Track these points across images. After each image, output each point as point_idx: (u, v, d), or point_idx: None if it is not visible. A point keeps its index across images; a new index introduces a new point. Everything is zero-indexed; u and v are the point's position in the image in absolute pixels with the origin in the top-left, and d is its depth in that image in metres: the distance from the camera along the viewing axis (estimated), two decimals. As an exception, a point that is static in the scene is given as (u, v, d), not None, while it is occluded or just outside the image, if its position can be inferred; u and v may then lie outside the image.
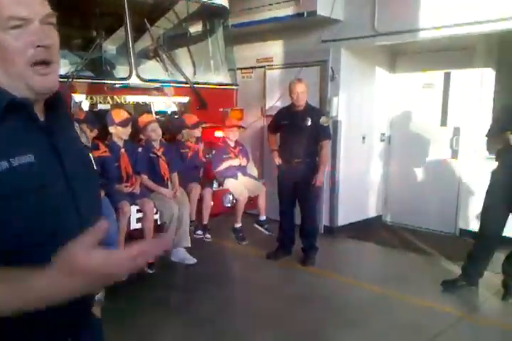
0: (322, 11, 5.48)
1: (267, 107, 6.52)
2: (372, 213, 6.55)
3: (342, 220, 6.04)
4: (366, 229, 6.15)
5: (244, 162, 4.73)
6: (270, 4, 5.76)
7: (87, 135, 3.62)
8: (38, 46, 1.01)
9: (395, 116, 6.47)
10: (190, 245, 4.14)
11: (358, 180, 6.23)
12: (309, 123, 4.71)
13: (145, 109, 4.24)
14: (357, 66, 5.97)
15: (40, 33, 1.01)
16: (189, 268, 4.37)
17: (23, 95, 1.04)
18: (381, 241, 5.79)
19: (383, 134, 6.50)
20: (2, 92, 1.01)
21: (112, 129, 3.85)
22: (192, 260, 4.17)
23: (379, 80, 6.32)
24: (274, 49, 6.45)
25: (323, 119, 4.78)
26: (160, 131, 4.11)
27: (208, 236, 4.36)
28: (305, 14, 5.54)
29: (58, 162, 1.06)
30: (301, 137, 4.73)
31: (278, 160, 4.83)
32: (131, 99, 4.12)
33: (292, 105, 4.82)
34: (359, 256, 5.49)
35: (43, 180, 1.01)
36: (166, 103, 4.38)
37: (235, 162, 4.64)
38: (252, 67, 6.67)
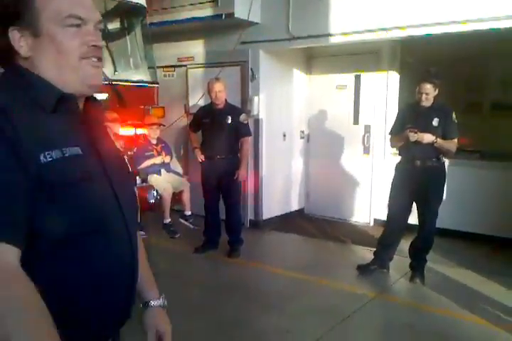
0: (239, 13, 5.67)
1: (190, 105, 6.61)
2: (294, 206, 6.86)
3: (266, 214, 6.28)
4: (289, 222, 6.44)
5: (167, 159, 4.80)
6: (190, 4, 5.86)
7: None
8: (92, 46, 1.09)
9: (312, 115, 6.83)
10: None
11: (281, 175, 6.51)
12: (229, 121, 4.88)
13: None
14: (275, 67, 6.24)
15: (94, 34, 1.10)
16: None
17: (71, 89, 1.08)
18: (303, 231, 6.10)
19: (302, 132, 6.83)
20: (52, 86, 1.07)
21: None
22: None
23: (297, 81, 6.64)
24: (195, 48, 6.55)
25: (242, 117, 4.97)
26: None
27: (142, 232, 4.36)
28: (223, 16, 5.70)
29: (97, 155, 1.11)
30: (222, 134, 4.88)
31: (201, 157, 4.94)
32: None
33: (212, 103, 4.96)
34: (282, 246, 5.75)
35: (89, 171, 1.06)
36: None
37: (158, 160, 4.70)
38: (173, 66, 6.73)
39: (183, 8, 5.96)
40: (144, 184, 4.59)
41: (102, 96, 4.47)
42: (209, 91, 4.85)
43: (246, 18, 5.72)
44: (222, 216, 5.10)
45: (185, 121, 6.61)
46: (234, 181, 4.93)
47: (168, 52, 6.47)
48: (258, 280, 4.49)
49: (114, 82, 4.48)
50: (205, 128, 4.96)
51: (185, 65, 6.69)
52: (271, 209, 6.35)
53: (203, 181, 5.03)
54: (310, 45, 5.75)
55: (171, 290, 4.29)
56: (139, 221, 4.49)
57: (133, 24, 5.10)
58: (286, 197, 6.69)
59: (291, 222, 6.47)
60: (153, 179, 4.58)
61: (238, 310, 3.83)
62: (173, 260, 4.93)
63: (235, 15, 5.64)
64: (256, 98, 6.04)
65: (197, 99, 6.37)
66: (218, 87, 4.82)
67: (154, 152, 4.72)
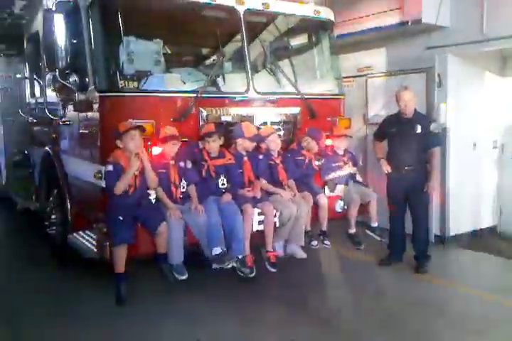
0: (427, 18, 5.46)
1: (369, 115, 6.55)
2: (485, 223, 6.25)
3: (453, 230, 5.84)
4: (479, 239, 5.91)
5: (354, 169, 4.82)
6: (373, 14, 5.84)
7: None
8: None
9: (508, 123, 6.16)
10: (303, 244, 4.32)
11: (470, 188, 6.00)
12: (419, 130, 4.69)
13: (262, 120, 4.50)
14: (464, 71, 5.82)
15: None
16: (305, 270, 4.53)
17: None
18: (496, 251, 5.52)
19: (495, 141, 6.22)
20: None
21: (239, 141, 4.18)
22: (303, 254, 4.35)
23: (489, 85, 6.09)
24: (375, 57, 6.50)
25: (433, 126, 4.73)
26: (279, 142, 4.37)
27: (327, 242, 4.49)
28: (409, 22, 5.55)
29: None
30: (410, 144, 4.71)
31: (387, 168, 4.83)
32: (248, 111, 4.41)
33: (399, 113, 4.83)
34: (473, 265, 5.27)
35: None
36: (278, 114, 4.61)
37: (345, 171, 4.75)
38: (353, 76, 6.77)
39: (367, 18, 5.99)
40: (331, 193, 4.67)
41: (294, 110, 4.73)
42: (398, 100, 4.74)
43: (434, 23, 5.49)
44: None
45: (363, 132, 6.59)
46: (423, 193, 4.72)
47: (347, 63, 6.52)
48: (451, 300, 4.20)
49: (305, 96, 4.67)
50: (392, 138, 4.85)
51: (364, 75, 6.67)
52: (458, 224, 5.88)
53: (388, 192, 4.91)
54: (506, 46, 5.22)
55: (353, 297, 4.36)
56: (324, 229, 4.64)
57: (320, 38, 5.28)
58: (475, 212, 6.13)
59: (481, 239, 5.93)
60: (341, 189, 4.64)
61: (434, 331, 3.62)
62: (357, 270, 4.91)
63: (423, 21, 5.44)
64: (443, 105, 5.70)
65: (377, 109, 6.29)
66: (408, 95, 4.67)
67: (341, 163, 4.78)
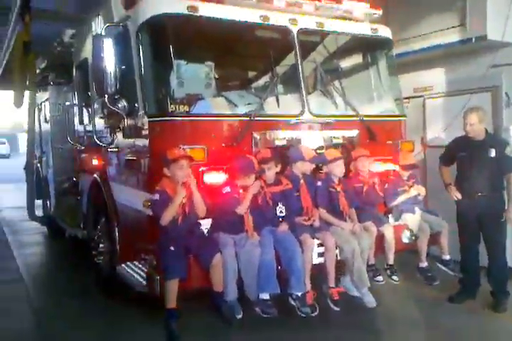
0: (493, 35, 5.10)
1: (428, 138, 6.12)
2: None
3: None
4: None
5: (422, 191, 4.39)
6: (436, 31, 5.51)
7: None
8: None
9: None
10: (369, 285, 3.89)
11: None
12: (493, 154, 4.26)
13: (317, 144, 4.22)
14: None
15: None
16: (370, 309, 4.11)
17: None
18: None
19: None
20: None
21: (299, 164, 3.90)
22: (373, 303, 3.90)
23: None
24: (434, 77, 6.11)
25: (508, 149, 4.28)
26: (343, 168, 4.05)
27: (396, 278, 4.04)
28: (473, 40, 5.20)
29: None
30: (483, 169, 4.29)
31: (457, 195, 4.40)
32: (303, 134, 4.13)
33: (469, 135, 4.42)
34: None
35: None
36: (335, 137, 4.31)
37: (412, 193, 4.34)
38: (408, 97, 6.39)
39: (424, 36, 5.67)
40: (397, 223, 4.26)
41: (352, 133, 4.41)
42: (466, 122, 4.34)
43: (500, 39, 5.11)
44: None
45: (422, 155, 6.16)
46: (499, 222, 4.25)
47: (402, 83, 6.17)
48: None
49: (364, 118, 4.36)
50: (462, 163, 4.43)
51: (421, 96, 6.29)
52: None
53: (459, 221, 4.45)
54: None
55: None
56: (391, 263, 4.20)
57: (377, 57, 4.99)
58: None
59: None
60: (408, 217, 4.23)
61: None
62: (425, 308, 4.43)
63: (488, 38, 5.07)
64: (512, 127, 5.23)
65: (436, 131, 5.87)
66: (471, 119, 4.29)
67: (406, 187, 4.38)
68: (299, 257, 3.54)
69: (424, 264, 4.28)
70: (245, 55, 4.69)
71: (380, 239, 4.11)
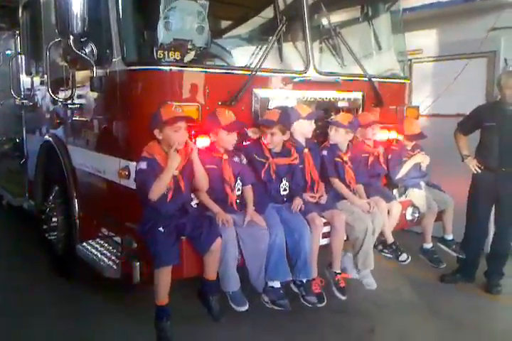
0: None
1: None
2: None
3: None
4: None
5: (426, 160, 3.98)
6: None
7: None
8: None
9: None
10: (372, 267, 3.50)
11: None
12: None
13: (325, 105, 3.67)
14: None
15: None
16: (370, 294, 3.75)
17: None
18: None
19: None
20: None
21: (296, 125, 3.32)
22: (373, 285, 3.54)
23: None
24: (424, 39, 5.68)
25: None
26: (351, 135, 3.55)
27: (404, 257, 3.62)
28: (478, -3, 4.77)
29: None
30: None
31: (476, 168, 4.05)
32: (308, 94, 3.56)
33: (501, 103, 4.04)
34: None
35: None
36: (341, 98, 3.78)
37: (416, 159, 3.93)
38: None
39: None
40: (402, 198, 3.86)
41: (356, 95, 3.90)
42: (501, 87, 3.95)
43: (506, -1, 4.71)
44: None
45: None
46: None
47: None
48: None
49: (372, 79, 3.84)
50: (489, 133, 4.02)
51: (409, 59, 5.86)
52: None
53: (473, 197, 4.13)
54: None
55: (422, 326, 3.60)
56: (392, 241, 3.81)
57: (383, 12, 4.40)
58: None
59: None
60: (413, 193, 3.83)
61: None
62: (422, 290, 4.18)
63: (494, -4, 4.66)
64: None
65: (423, 99, 5.48)
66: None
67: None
68: (308, 238, 3.04)
69: (429, 245, 3.92)
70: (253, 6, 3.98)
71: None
